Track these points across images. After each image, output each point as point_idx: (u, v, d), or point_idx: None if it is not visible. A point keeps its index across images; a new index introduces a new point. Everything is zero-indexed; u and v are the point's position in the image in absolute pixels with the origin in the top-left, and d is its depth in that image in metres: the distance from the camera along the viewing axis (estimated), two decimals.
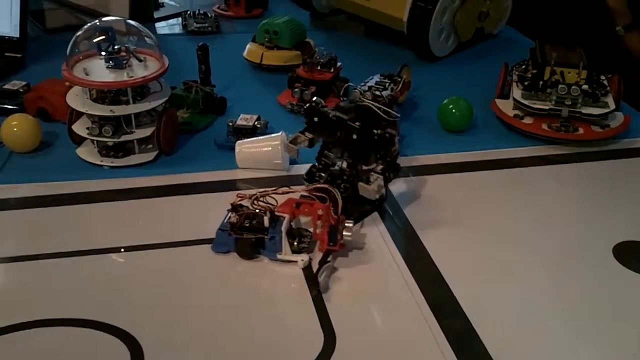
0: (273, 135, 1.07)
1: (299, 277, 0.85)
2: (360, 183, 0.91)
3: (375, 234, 0.94)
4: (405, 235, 0.94)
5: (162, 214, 0.99)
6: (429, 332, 0.76)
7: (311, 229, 0.89)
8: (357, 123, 0.90)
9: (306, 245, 0.88)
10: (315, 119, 0.95)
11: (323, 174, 0.95)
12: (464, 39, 1.61)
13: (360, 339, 0.76)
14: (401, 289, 0.83)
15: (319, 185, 0.89)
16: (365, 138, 0.91)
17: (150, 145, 1.10)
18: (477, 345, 0.75)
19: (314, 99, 0.96)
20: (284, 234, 0.85)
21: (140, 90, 1.07)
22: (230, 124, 1.14)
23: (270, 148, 1.05)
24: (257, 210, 0.87)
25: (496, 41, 1.73)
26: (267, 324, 0.78)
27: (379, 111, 0.93)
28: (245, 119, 1.14)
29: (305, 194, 0.90)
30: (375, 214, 0.98)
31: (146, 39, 1.11)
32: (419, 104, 1.35)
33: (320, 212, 0.85)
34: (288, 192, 0.91)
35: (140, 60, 1.07)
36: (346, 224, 0.87)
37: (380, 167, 0.92)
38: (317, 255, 0.87)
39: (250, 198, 0.89)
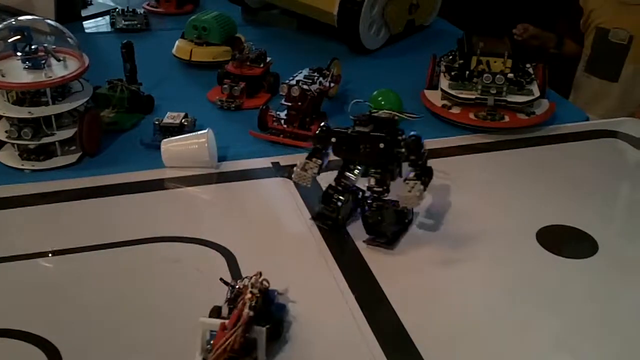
0: (199, 132, 1.05)
1: (225, 276, 0.83)
2: (400, 194, 0.86)
3: (303, 228, 0.93)
4: (334, 231, 0.93)
5: (87, 216, 0.97)
6: (355, 326, 0.76)
7: None
8: (379, 133, 0.87)
9: None
10: (333, 140, 0.90)
11: (342, 197, 0.91)
12: (395, 32, 1.62)
13: (286, 331, 0.75)
14: (329, 284, 0.83)
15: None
16: (392, 145, 0.87)
17: (74, 147, 1.07)
18: (404, 339, 0.75)
19: (322, 124, 0.93)
20: (200, 333, 0.70)
21: (62, 91, 1.04)
22: (157, 122, 1.12)
23: (196, 146, 1.03)
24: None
25: (427, 33, 1.75)
26: (188, 321, 0.76)
27: (402, 115, 0.89)
28: (172, 117, 1.13)
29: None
30: (300, 207, 0.97)
31: (65, 38, 1.08)
32: (351, 97, 1.34)
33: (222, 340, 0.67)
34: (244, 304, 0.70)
35: (59, 60, 1.04)
36: None
37: (413, 173, 0.88)
38: None
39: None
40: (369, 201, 0.90)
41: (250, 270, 0.83)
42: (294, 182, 1.03)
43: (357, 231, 0.93)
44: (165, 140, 1.06)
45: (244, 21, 1.75)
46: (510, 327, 0.78)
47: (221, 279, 0.75)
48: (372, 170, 0.90)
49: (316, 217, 0.94)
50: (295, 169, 0.92)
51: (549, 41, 1.90)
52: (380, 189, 0.89)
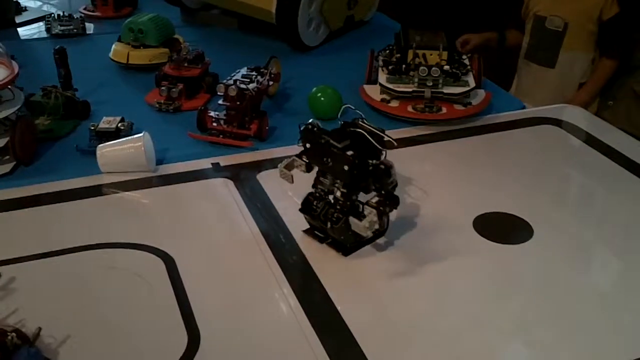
0: (136, 136, 1.04)
1: (164, 280, 0.83)
2: (352, 218, 0.82)
3: (244, 230, 0.93)
4: (273, 226, 0.93)
5: (25, 226, 0.95)
6: (297, 327, 0.76)
7: None
8: (350, 152, 0.82)
9: None
10: (308, 145, 0.86)
11: (320, 203, 0.87)
12: (335, 28, 1.63)
13: (225, 334, 0.75)
14: (270, 286, 0.83)
15: None
16: (359, 169, 0.82)
17: (7, 157, 1.05)
18: (343, 331, 0.75)
19: (310, 121, 0.87)
20: None
21: None
22: (92, 127, 1.10)
23: (132, 150, 1.02)
24: None
25: (367, 28, 1.76)
26: (130, 327, 0.76)
27: (372, 140, 0.83)
28: (108, 122, 1.11)
29: None
30: (241, 208, 0.97)
31: None
32: (292, 95, 1.36)
33: None
34: None
35: None
36: None
37: (376, 199, 0.83)
38: None
39: None
40: (331, 210, 0.86)
41: (190, 275, 0.83)
42: (234, 183, 1.04)
43: (290, 220, 0.94)
44: (100, 145, 1.04)
45: (183, 22, 1.74)
46: (454, 318, 0.78)
47: None
48: (339, 183, 0.86)
49: (307, 230, 0.91)
50: (279, 165, 0.89)
51: (491, 41, 1.93)
52: (344, 203, 0.85)
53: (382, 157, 0.84)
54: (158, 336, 0.75)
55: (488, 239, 0.91)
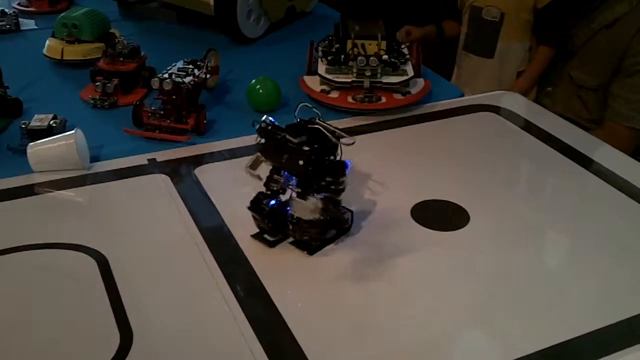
0: (67, 133, 1.01)
1: (97, 281, 0.81)
2: (297, 199, 0.82)
3: (180, 227, 0.91)
4: (211, 222, 0.92)
5: None
6: (231, 318, 0.75)
7: None
8: (306, 147, 0.81)
9: None
10: (262, 140, 0.84)
11: (272, 202, 0.85)
12: (276, 19, 1.62)
13: (159, 334, 0.74)
14: (204, 277, 0.82)
15: None
16: (315, 165, 0.81)
17: None
18: (280, 326, 0.74)
19: (264, 117, 0.85)
20: None
21: None
22: (23, 126, 1.07)
23: (64, 147, 0.99)
24: None
25: (309, 19, 1.75)
26: (61, 328, 0.75)
27: (330, 135, 0.81)
28: (39, 120, 1.08)
29: None
30: (178, 205, 0.95)
31: None
32: (232, 87, 1.34)
33: None
34: None
35: None
36: None
37: (323, 195, 0.82)
38: None
39: None
40: (289, 212, 0.85)
41: (124, 274, 0.82)
42: (171, 178, 1.02)
43: (229, 215, 0.92)
44: (31, 144, 1.01)
45: (121, 16, 1.70)
46: (399, 309, 0.78)
47: None
48: (293, 183, 0.84)
49: (256, 235, 0.89)
50: (245, 165, 0.87)
51: (430, 34, 1.95)
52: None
53: (339, 156, 0.83)
54: (90, 337, 0.73)
55: (425, 227, 0.91)
